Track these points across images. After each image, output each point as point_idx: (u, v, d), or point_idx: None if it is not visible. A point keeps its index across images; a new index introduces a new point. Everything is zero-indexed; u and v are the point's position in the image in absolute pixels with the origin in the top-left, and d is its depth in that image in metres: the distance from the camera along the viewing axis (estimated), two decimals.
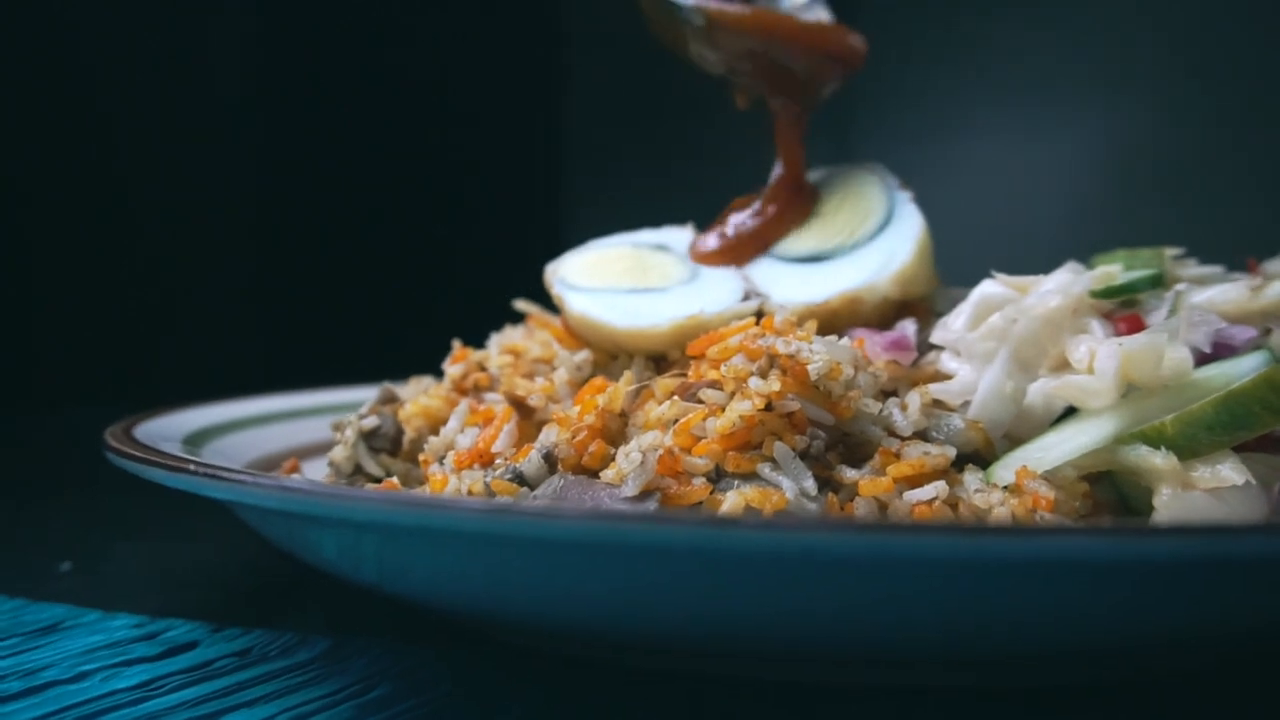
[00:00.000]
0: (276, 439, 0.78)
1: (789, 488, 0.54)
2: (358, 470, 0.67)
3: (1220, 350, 0.58)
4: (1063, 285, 0.62)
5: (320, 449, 0.79)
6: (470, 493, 0.59)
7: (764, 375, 0.58)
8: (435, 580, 0.51)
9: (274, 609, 0.66)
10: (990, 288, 0.66)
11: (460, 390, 0.71)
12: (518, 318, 0.80)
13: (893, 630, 0.46)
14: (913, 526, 0.46)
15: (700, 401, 0.59)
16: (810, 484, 0.54)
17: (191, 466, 0.55)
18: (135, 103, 1.72)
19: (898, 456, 0.56)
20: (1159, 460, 0.53)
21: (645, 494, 0.55)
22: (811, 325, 0.64)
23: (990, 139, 2.45)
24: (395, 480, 0.65)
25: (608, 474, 0.56)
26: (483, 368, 0.71)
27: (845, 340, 0.61)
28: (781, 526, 0.42)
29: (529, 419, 0.65)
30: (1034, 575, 0.43)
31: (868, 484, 0.55)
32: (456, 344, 0.74)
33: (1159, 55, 2.40)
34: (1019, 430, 0.60)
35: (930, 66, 2.62)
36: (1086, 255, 0.71)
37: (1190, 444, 0.53)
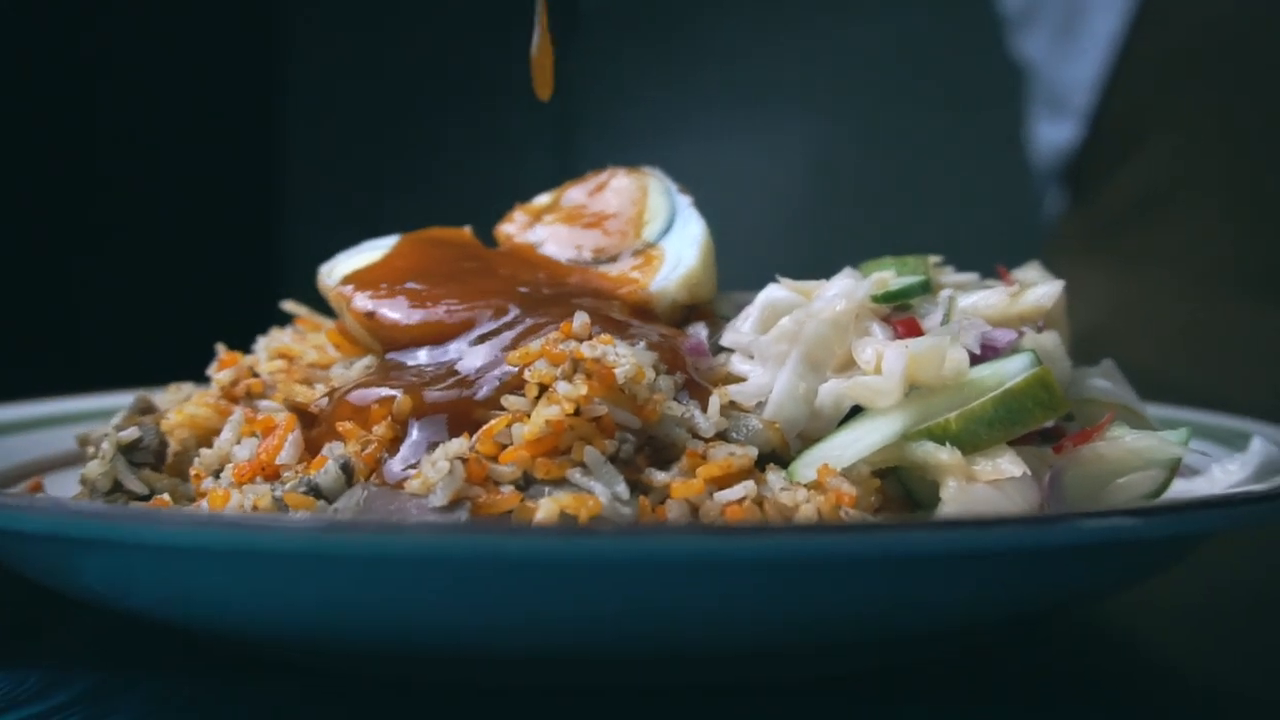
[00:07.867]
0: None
1: (602, 493, 0.53)
2: (117, 487, 0.60)
3: (986, 352, 0.62)
4: (846, 290, 0.65)
5: (56, 465, 0.71)
6: (257, 507, 0.55)
7: (569, 379, 0.57)
8: (243, 605, 0.47)
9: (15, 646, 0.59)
10: (776, 292, 0.67)
11: (230, 398, 0.65)
12: (284, 319, 0.75)
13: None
14: (740, 529, 0.47)
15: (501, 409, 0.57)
16: (623, 488, 0.54)
17: None
18: None
19: (704, 458, 0.57)
20: (944, 455, 0.56)
21: (455, 504, 0.52)
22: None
23: (705, 144, 2.55)
24: (166, 498, 0.60)
25: (413, 484, 0.53)
26: (255, 373, 0.66)
27: (640, 344, 0.61)
28: (665, 533, 0.44)
29: (311, 429, 0.61)
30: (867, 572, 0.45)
31: (680, 486, 0.55)
32: (221, 348, 0.68)
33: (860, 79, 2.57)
34: (810, 429, 0.61)
35: (651, 72, 2.69)
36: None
37: (972, 439, 0.57)
